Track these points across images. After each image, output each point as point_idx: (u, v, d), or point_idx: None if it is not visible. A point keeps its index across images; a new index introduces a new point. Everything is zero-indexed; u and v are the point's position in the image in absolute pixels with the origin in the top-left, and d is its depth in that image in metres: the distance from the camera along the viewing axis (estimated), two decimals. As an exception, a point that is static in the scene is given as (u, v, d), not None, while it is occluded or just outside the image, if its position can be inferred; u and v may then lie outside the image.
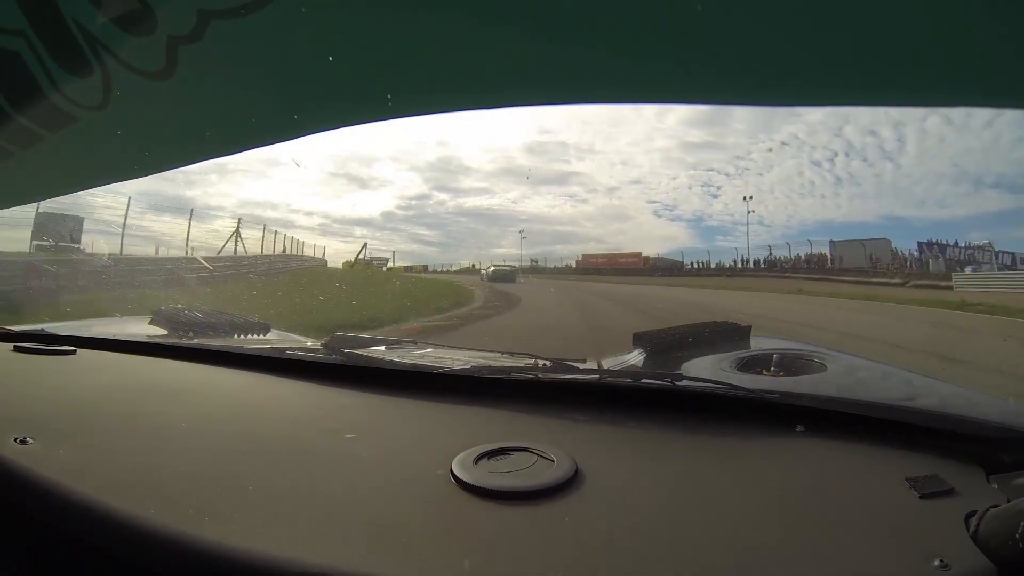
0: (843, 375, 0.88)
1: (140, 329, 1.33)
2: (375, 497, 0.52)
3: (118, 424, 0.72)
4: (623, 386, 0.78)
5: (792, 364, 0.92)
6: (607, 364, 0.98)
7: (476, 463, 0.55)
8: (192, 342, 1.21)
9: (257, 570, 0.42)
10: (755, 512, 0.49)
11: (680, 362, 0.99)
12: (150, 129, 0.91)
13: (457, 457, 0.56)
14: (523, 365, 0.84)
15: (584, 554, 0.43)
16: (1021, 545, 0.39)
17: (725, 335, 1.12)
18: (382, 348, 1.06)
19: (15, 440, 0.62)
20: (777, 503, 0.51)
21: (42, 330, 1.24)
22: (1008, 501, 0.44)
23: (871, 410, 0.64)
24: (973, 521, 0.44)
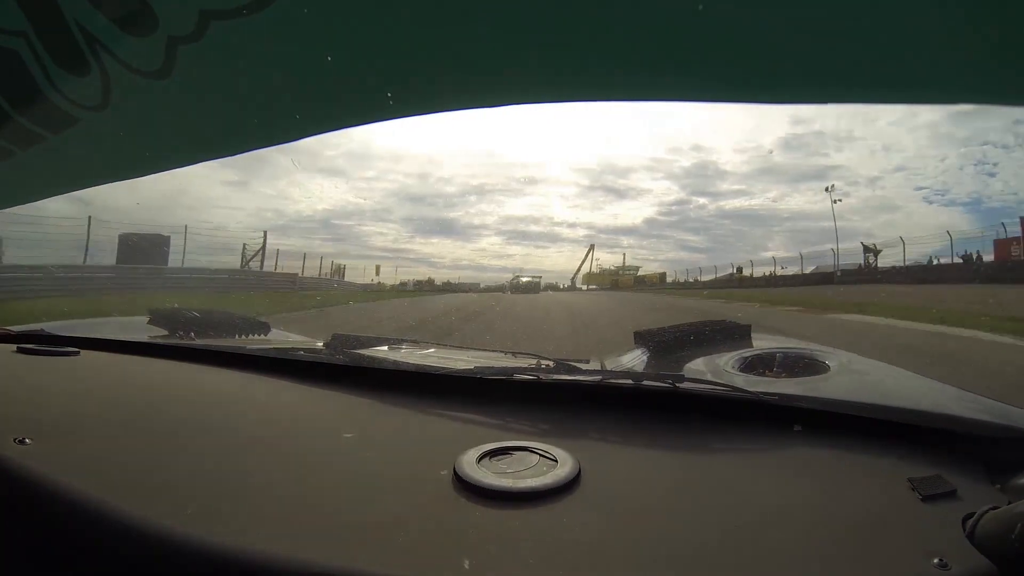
0: (845, 376, 0.88)
1: (142, 330, 1.33)
2: (377, 497, 0.52)
3: (119, 425, 0.72)
4: (625, 387, 0.78)
5: (794, 364, 0.92)
6: (609, 364, 0.98)
7: (479, 463, 0.55)
8: (194, 343, 1.21)
9: (258, 570, 0.42)
10: (756, 512, 0.49)
11: (682, 362, 0.99)
12: (150, 129, 0.91)
13: (460, 457, 0.56)
14: (525, 365, 0.84)
15: (586, 554, 0.43)
16: (1019, 546, 0.39)
17: (726, 334, 1.12)
18: (384, 348, 1.06)
19: (16, 440, 0.62)
20: (778, 504, 0.51)
21: (44, 331, 1.25)
22: (1010, 502, 0.44)
23: (872, 411, 0.64)
24: (972, 522, 0.44)
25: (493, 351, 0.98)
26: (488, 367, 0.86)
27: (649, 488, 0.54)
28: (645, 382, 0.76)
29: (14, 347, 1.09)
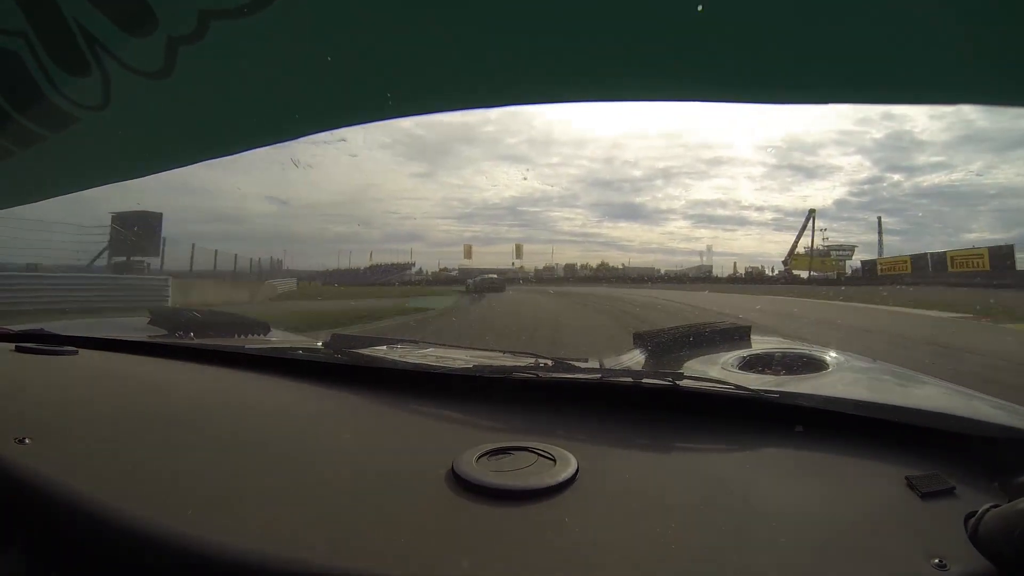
0: (844, 375, 0.88)
1: (141, 330, 1.33)
2: (376, 496, 0.52)
3: (119, 424, 0.72)
4: (624, 385, 0.78)
5: (793, 364, 0.92)
6: (608, 363, 0.98)
7: (477, 462, 0.55)
8: (193, 342, 1.21)
9: (257, 570, 0.42)
10: (755, 511, 0.49)
11: (681, 361, 0.99)
12: (150, 129, 0.91)
13: (459, 456, 0.56)
14: (524, 364, 0.84)
15: (585, 553, 0.43)
16: (1020, 545, 0.39)
17: (726, 334, 1.12)
18: (383, 348, 1.06)
19: (16, 440, 0.62)
20: (777, 502, 0.51)
21: (43, 330, 1.25)
22: (1009, 501, 0.44)
23: (872, 410, 0.64)
24: (972, 521, 0.44)
25: (492, 350, 0.98)
26: (487, 366, 0.86)
27: (648, 487, 0.54)
28: (644, 380, 0.76)
29: (13, 346, 1.09)
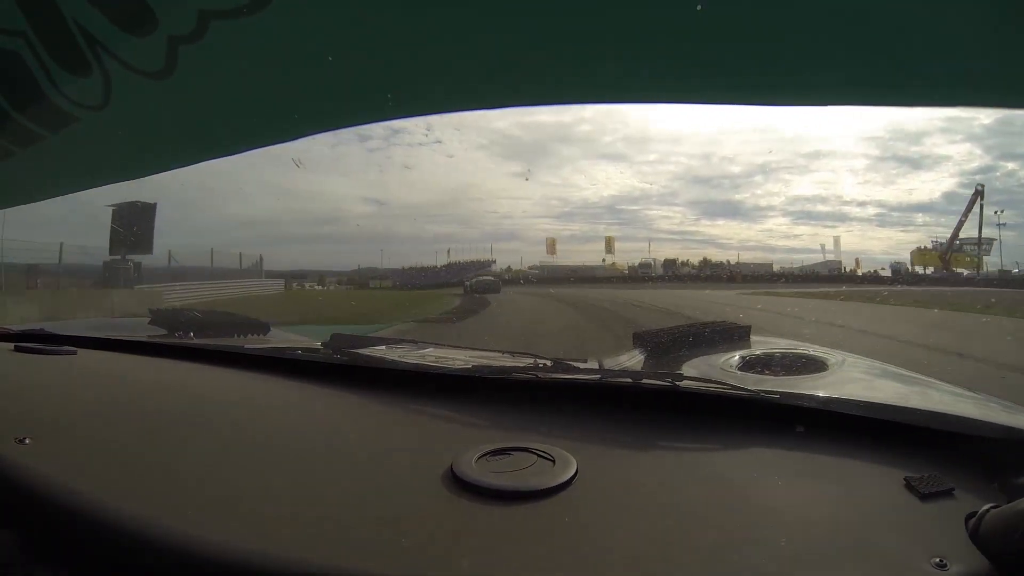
0: (844, 375, 0.88)
1: (140, 329, 1.33)
2: (375, 496, 0.52)
3: (118, 424, 0.72)
4: (623, 386, 0.77)
5: (793, 364, 0.92)
6: (607, 364, 0.98)
7: (476, 462, 0.55)
8: (193, 342, 1.21)
9: (257, 570, 0.42)
10: (755, 512, 0.49)
11: (680, 362, 0.99)
12: (150, 129, 0.91)
13: (458, 456, 0.56)
14: (523, 365, 0.84)
15: (584, 554, 0.43)
16: (1020, 545, 0.39)
17: (725, 334, 1.12)
18: (383, 348, 1.06)
19: (15, 440, 0.62)
20: (777, 503, 0.51)
21: (43, 330, 1.25)
22: (1009, 501, 0.44)
23: (872, 411, 0.64)
24: (972, 521, 0.44)
25: (491, 351, 0.98)
26: (486, 366, 0.86)
27: (648, 488, 0.54)
28: (644, 381, 0.76)
29: (12, 346, 1.09)
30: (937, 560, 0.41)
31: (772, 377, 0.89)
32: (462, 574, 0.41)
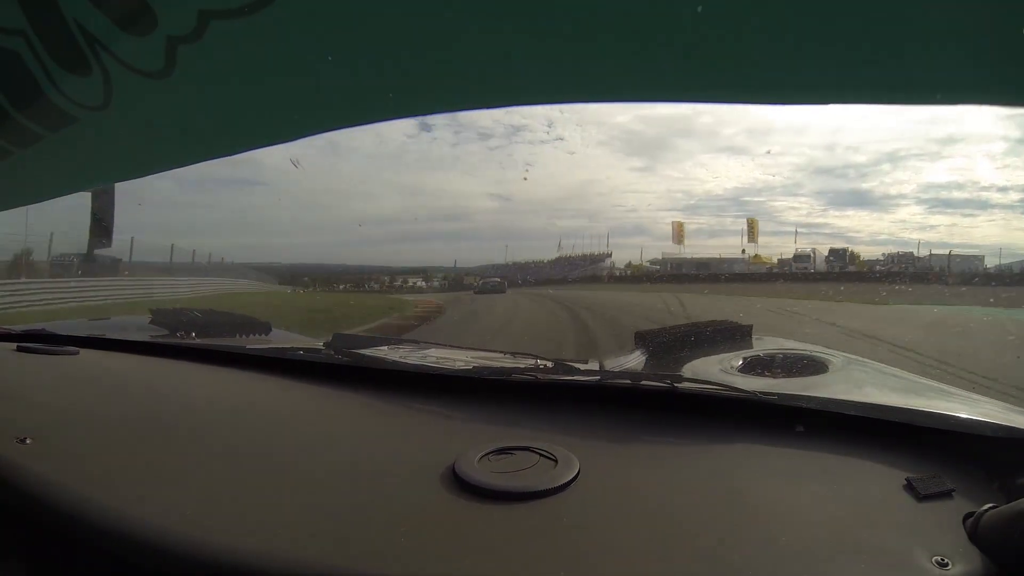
0: (844, 376, 0.88)
1: (142, 330, 1.33)
2: (377, 497, 0.52)
3: (119, 424, 0.72)
4: (624, 387, 0.78)
5: (793, 365, 0.92)
6: (608, 364, 0.98)
7: (479, 462, 0.55)
8: (195, 342, 1.21)
9: (258, 570, 0.42)
10: (755, 512, 0.49)
11: (681, 362, 0.99)
12: (150, 129, 0.91)
13: (460, 456, 0.56)
14: (524, 366, 0.84)
15: (586, 554, 0.43)
16: (1020, 545, 0.40)
17: (726, 335, 1.12)
18: (384, 348, 1.06)
19: (17, 440, 0.62)
20: (777, 503, 0.51)
21: (45, 330, 1.25)
22: (1009, 501, 0.44)
23: (872, 411, 0.64)
24: (972, 521, 0.44)
25: (492, 351, 0.98)
26: (488, 367, 0.86)
27: (649, 488, 0.54)
28: (644, 382, 0.76)
29: (14, 346, 1.09)
30: (937, 560, 0.41)
31: (772, 378, 0.89)
32: (464, 574, 0.41)
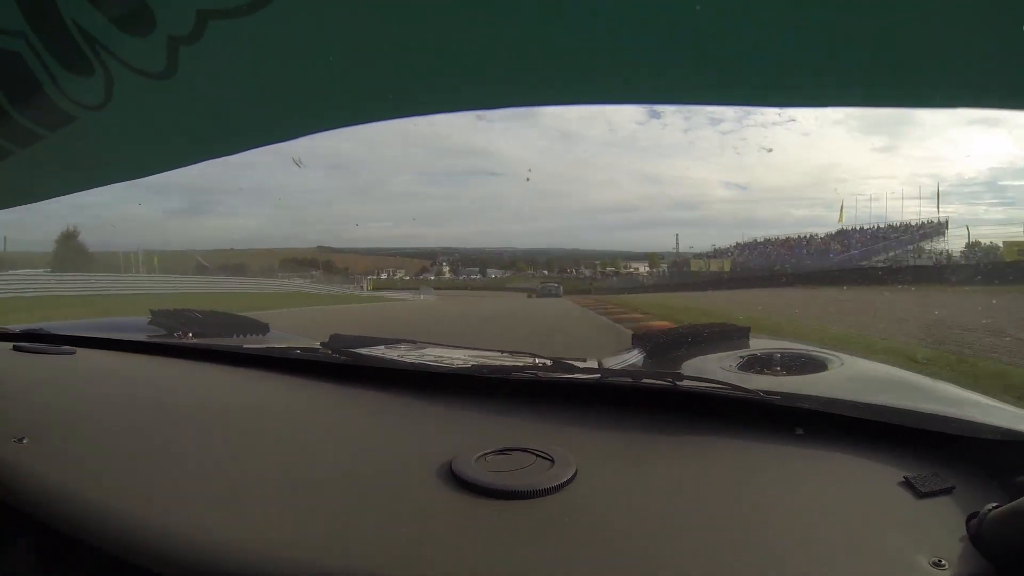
0: (844, 376, 0.88)
1: (140, 329, 1.33)
2: (375, 497, 0.51)
3: (117, 424, 0.72)
4: (623, 386, 0.77)
5: (792, 364, 0.92)
6: (607, 364, 0.98)
7: (476, 462, 0.55)
8: (192, 342, 1.21)
9: (256, 569, 0.42)
10: (754, 512, 0.49)
11: (680, 362, 0.99)
12: (150, 129, 0.91)
13: (457, 456, 0.56)
14: (523, 364, 0.84)
15: (584, 554, 0.43)
16: (1020, 545, 0.39)
17: (725, 335, 1.12)
18: (382, 347, 1.06)
19: (14, 439, 0.62)
20: (777, 503, 0.51)
21: (42, 329, 1.25)
22: (1009, 501, 0.44)
23: (873, 412, 0.64)
24: (974, 523, 0.44)
25: (490, 350, 0.98)
26: (485, 366, 0.86)
27: (647, 488, 0.54)
28: (644, 381, 0.76)
29: (11, 345, 1.09)
30: (937, 560, 0.41)
31: (772, 377, 0.89)
32: (461, 573, 0.41)
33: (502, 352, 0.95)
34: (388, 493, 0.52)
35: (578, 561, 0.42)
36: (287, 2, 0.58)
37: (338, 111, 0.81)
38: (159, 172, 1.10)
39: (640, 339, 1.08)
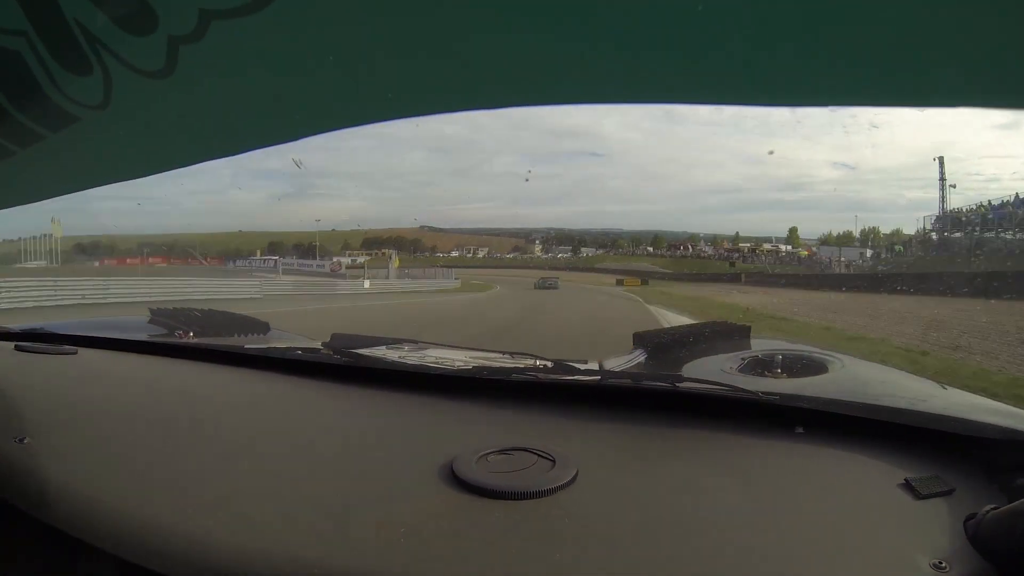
0: (844, 377, 0.88)
1: (141, 329, 1.33)
2: (376, 496, 0.51)
3: (117, 423, 0.72)
4: (624, 387, 0.78)
5: (793, 365, 0.92)
6: (608, 365, 0.98)
7: (477, 463, 0.55)
8: (193, 342, 1.21)
9: (256, 569, 0.42)
10: (755, 513, 0.49)
11: (681, 363, 0.99)
12: (151, 129, 0.91)
13: (458, 457, 0.56)
14: (524, 366, 0.84)
15: (584, 554, 0.43)
16: (1020, 546, 0.39)
17: (725, 335, 1.12)
18: (383, 348, 1.06)
19: (15, 439, 0.62)
20: (777, 504, 0.51)
21: (43, 329, 1.25)
22: (1009, 502, 0.44)
23: (872, 412, 0.64)
24: (973, 523, 0.44)
25: (492, 351, 0.98)
26: (486, 367, 0.86)
27: (647, 489, 0.54)
28: (644, 382, 0.76)
29: (12, 345, 1.09)
30: (937, 561, 0.41)
31: (772, 378, 0.89)
32: (461, 574, 0.41)
33: (503, 353, 0.95)
34: (389, 493, 0.52)
35: (579, 561, 0.42)
36: (288, 2, 0.58)
37: (338, 111, 0.81)
38: (160, 171, 1.10)
39: (641, 339, 1.08)
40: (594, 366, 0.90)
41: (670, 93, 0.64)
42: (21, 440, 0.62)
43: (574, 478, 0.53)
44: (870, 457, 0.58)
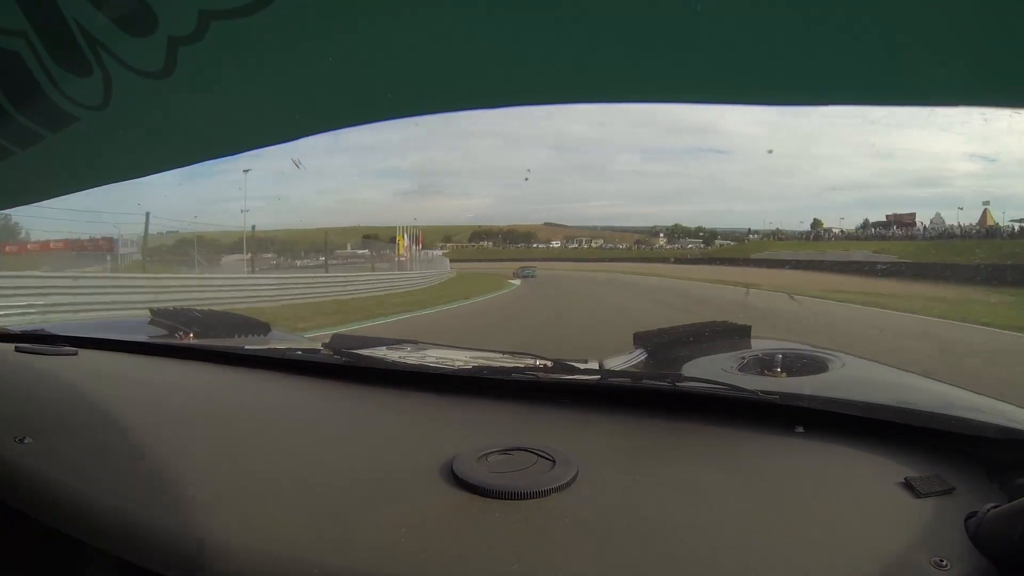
0: (844, 376, 0.88)
1: (141, 330, 1.33)
2: (376, 497, 0.52)
3: (118, 424, 0.72)
4: (624, 386, 0.78)
5: (793, 364, 0.92)
6: (608, 364, 0.98)
7: (476, 463, 0.55)
8: (193, 342, 1.21)
9: (257, 569, 0.42)
10: (755, 512, 0.49)
11: (681, 362, 0.99)
12: (150, 129, 0.91)
13: (458, 457, 0.56)
14: (523, 365, 0.84)
15: (584, 554, 0.43)
16: (1020, 545, 0.39)
17: (725, 335, 1.12)
18: (383, 348, 1.06)
19: (15, 439, 0.62)
20: (777, 503, 0.51)
21: (43, 330, 1.25)
22: (1009, 501, 0.44)
23: (872, 411, 0.64)
24: (973, 521, 0.44)
25: (492, 351, 0.98)
26: (486, 367, 0.86)
27: (648, 488, 0.54)
28: (644, 382, 0.76)
29: (13, 347, 1.09)
30: (937, 560, 0.41)
31: (772, 377, 0.89)
32: (461, 574, 0.41)
33: (503, 353, 0.95)
34: (389, 493, 0.52)
35: (579, 561, 0.42)
36: (288, 2, 0.57)
37: (338, 111, 0.81)
38: (160, 171, 1.10)
39: (640, 339, 1.08)
40: (594, 366, 0.90)
41: (670, 93, 0.64)
42: (21, 440, 0.62)
43: (574, 478, 0.53)
44: (870, 456, 0.58)
